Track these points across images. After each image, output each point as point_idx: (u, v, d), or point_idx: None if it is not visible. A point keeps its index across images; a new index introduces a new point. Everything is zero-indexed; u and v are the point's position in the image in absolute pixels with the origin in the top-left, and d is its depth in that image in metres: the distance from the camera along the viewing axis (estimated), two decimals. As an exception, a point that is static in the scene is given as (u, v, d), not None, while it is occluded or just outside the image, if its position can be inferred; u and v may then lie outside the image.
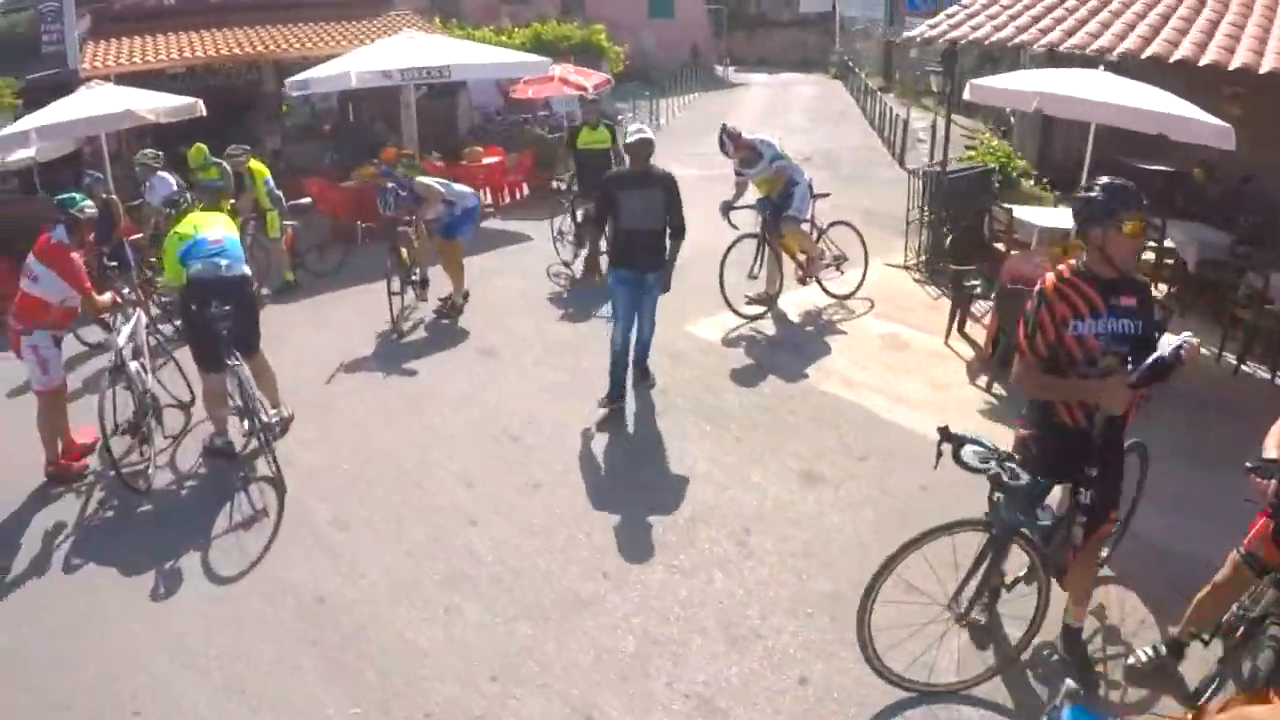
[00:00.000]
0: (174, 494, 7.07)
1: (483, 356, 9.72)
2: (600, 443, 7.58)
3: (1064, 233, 9.57)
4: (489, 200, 16.50)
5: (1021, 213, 10.96)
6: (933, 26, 12.53)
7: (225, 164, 12.08)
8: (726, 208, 10.39)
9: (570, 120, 20.28)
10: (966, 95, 10.41)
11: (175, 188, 11.32)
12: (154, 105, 12.68)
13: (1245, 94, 10.57)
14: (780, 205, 10.18)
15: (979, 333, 9.57)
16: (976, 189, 12.38)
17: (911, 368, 9.00)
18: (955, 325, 9.71)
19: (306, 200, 12.94)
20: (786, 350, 9.51)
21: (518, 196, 17.68)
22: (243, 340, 7.17)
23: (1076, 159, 11.32)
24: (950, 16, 12.70)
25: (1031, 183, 14.33)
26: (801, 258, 10.53)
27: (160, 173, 11.67)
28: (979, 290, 9.60)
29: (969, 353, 9.32)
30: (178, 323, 8.97)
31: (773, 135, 11.13)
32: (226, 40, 19.67)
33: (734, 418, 7.94)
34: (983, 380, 8.58)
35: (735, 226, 10.36)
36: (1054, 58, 12.64)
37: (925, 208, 12.60)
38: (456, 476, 7.11)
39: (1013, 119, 19.68)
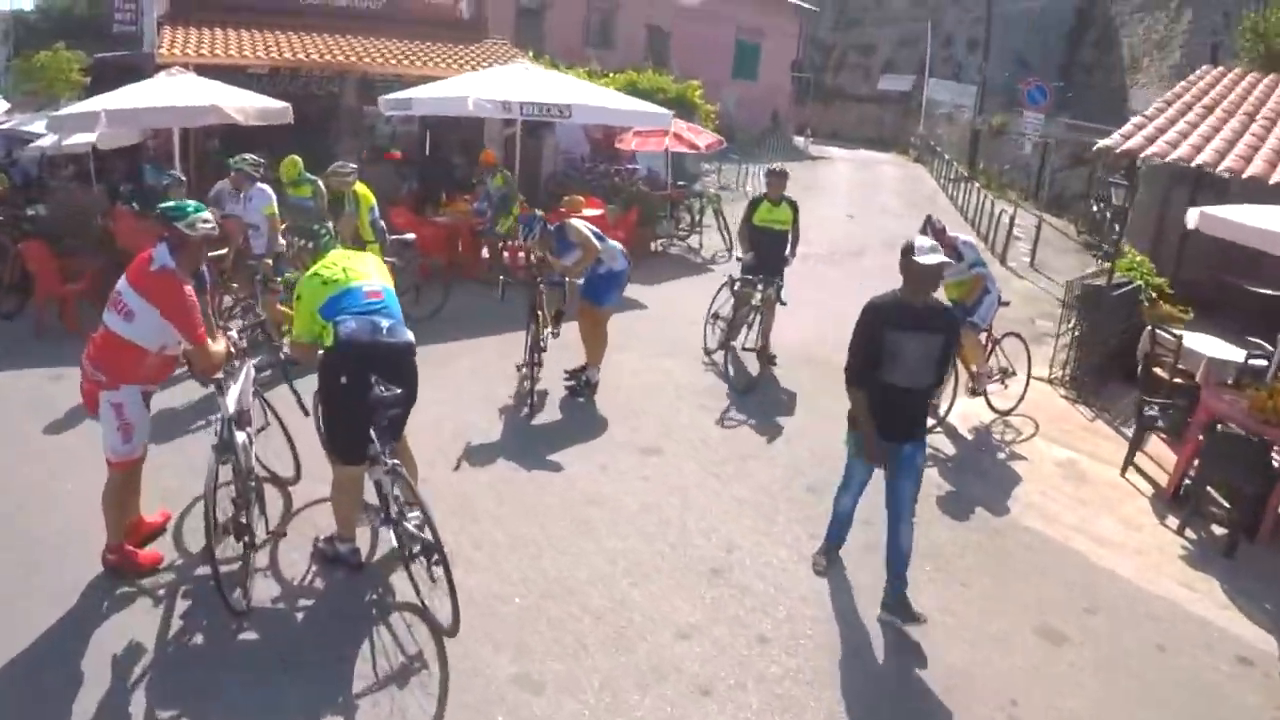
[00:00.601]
0: (284, 618, 5.48)
1: (644, 456, 8.29)
2: (821, 588, 6.38)
3: (1234, 367, 9.71)
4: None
5: (1191, 340, 10.52)
6: (1126, 137, 12.19)
7: (320, 182, 10.96)
8: None
9: (654, 178, 19.97)
10: (1193, 224, 9.58)
11: (274, 201, 10.18)
12: (242, 104, 12.10)
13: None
14: (967, 311, 9.52)
15: (1145, 462, 9.32)
16: (1126, 306, 12.01)
17: (1098, 502, 8.51)
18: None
19: (410, 236, 11.61)
20: (973, 474, 8.82)
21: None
22: (398, 426, 5.62)
23: (1212, 279, 12.60)
24: (1139, 128, 12.54)
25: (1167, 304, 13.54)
26: (974, 368, 9.93)
27: (261, 184, 10.31)
28: (1161, 425, 9.27)
29: (1144, 486, 8.96)
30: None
31: (972, 237, 10.16)
32: (314, 44, 18.84)
33: (951, 558, 7.08)
34: (1173, 522, 8.18)
35: None
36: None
37: (1075, 321, 12.00)
38: (664, 624, 5.77)
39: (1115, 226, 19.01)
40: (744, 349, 10.81)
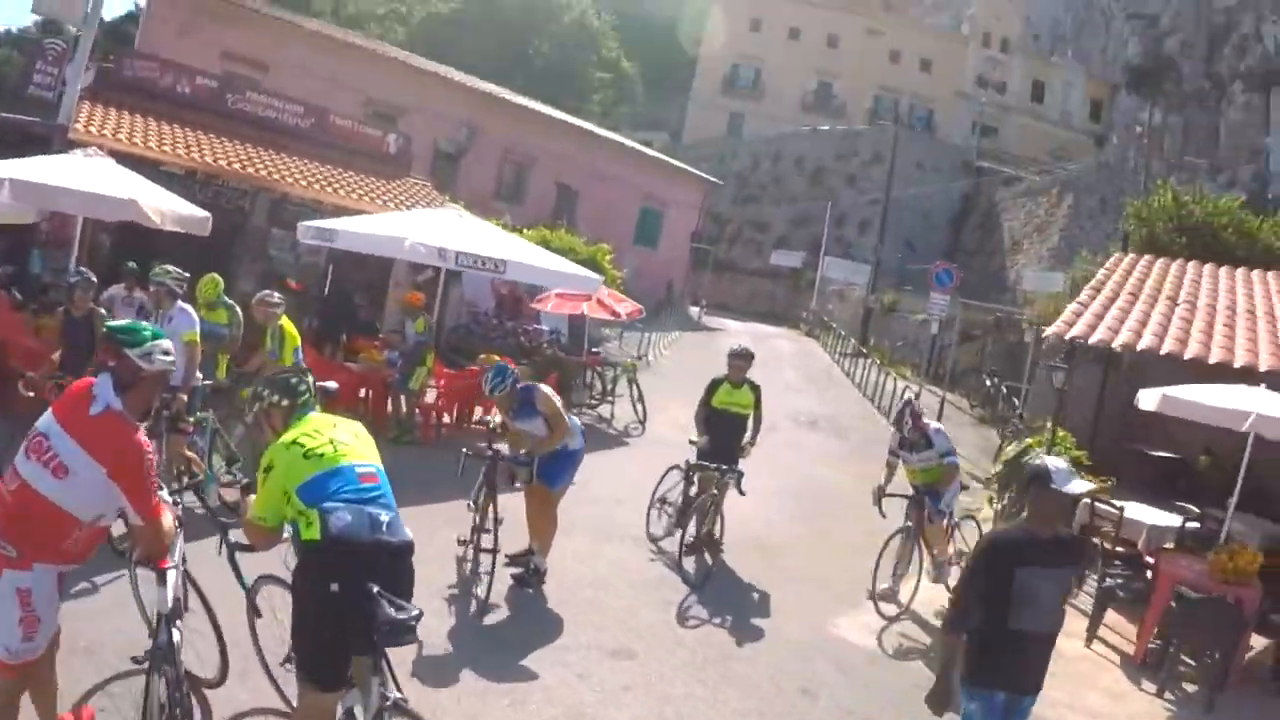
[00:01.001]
0: None
1: (618, 660, 7.39)
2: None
3: (1173, 532, 10.44)
4: (495, 419, 15.45)
5: (1133, 511, 10.85)
6: (1068, 324, 13.08)
7: (238, 309, 10.01)
8: (880, 493, 9.60)
9: (557, 339, 19.93)
10: (1152, 405, 10.10)
11: (197, 326, 8.94)
12: (162, 205, 10.98)
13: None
14: (935, 497, 9.58)
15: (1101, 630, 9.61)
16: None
17: (1076, 676, 8.53)
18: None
19: (333, 385, 10.55)
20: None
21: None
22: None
23: (1126, 450, 13.40)
24: (1077, 315, 13.43)
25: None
26: (936, 554, 9.85)
27: (183, 304, 9.03)
28: (1123, 595, 9.66)
29: (1110, 654, 9.24)
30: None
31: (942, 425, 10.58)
32: (236, 152, 18.31)
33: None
34: (1150, 686, 8.44)
35: (885, 515, 9.60)
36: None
37: (1010, 499, 12.39)
38: None
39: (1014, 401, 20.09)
40: (689, 539, 9.96)
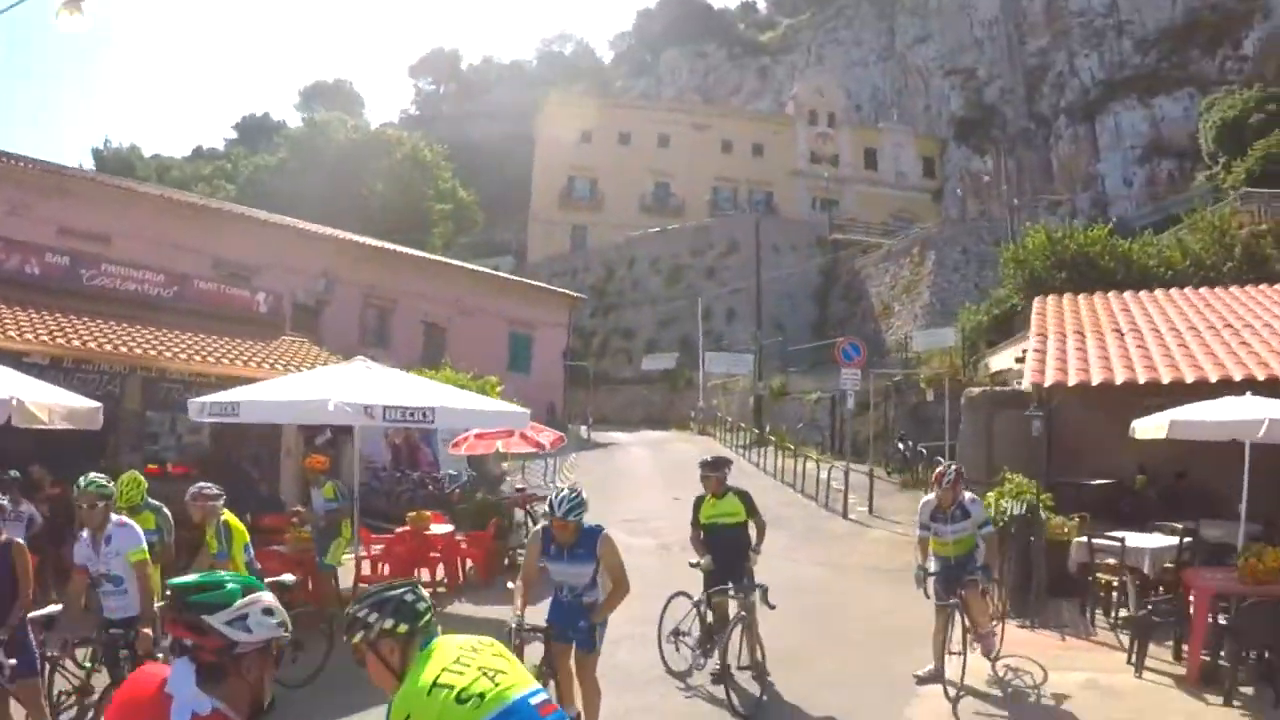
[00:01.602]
0: None
1: None
2: None
3: (1169, 553, 11.19)
4: (441, 579, 14.46)
5: (1131, 540, 11.39)
6: (1040, 372, 13.55)
7: (165, 510, 8.76)
8: (924, 575, 9.37)
9: (456, 482, 19.80)
10: (1163, 434, 10.52)
11: (143, 543, 7.35)
12: (48, 401, 10.10)
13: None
14: (969, 569, 9.38)
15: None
16: (1026, 528, 12.75)
17: (1151, 709, 8.72)
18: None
19: (289, 578, 9.36)
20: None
21: (465, 575, 15.30)
22: None
23: (1064, 484, 13.86)
24: (1041, 362, 14.07)
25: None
26: (980, 628, 9.49)
27: (123, 517, 7.54)
28: (1162, 620, 9.95)
29: (1161, 680, 9.43)
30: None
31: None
32: (100, 332, 17.05)
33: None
34: (1216, 698, 8.65)
35: (929, 596, 9.39)
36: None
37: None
38: None
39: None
40: (739, 669, 9.23)
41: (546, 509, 7.24)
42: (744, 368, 39.98)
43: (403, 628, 3.37)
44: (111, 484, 7.56)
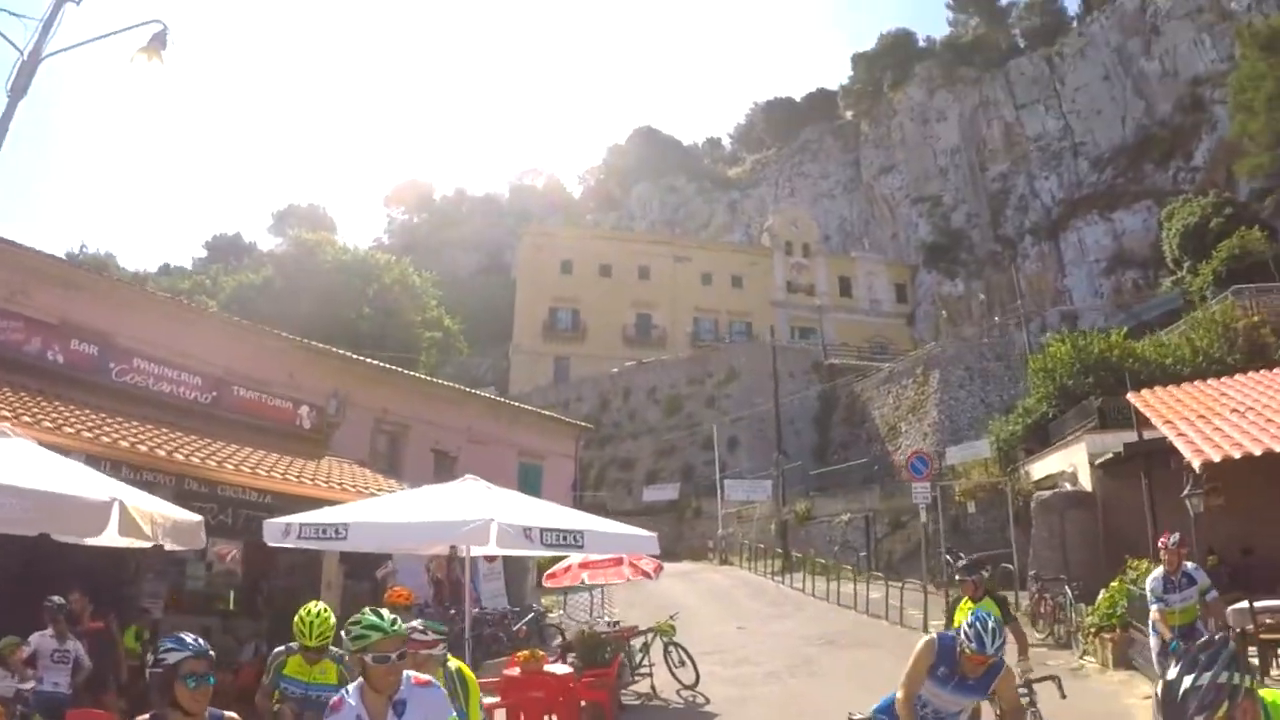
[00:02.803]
0: None
1: None
2: None
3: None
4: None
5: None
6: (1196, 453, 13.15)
7: (345, 659, 6.17)
8: (1169, 652, 8.75)
9: (522, 618, 19.36)
10: None
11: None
12: (150, 509, 8.39)
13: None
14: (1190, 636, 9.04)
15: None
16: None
17: None
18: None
19: None
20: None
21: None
22: None
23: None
24: (1191, 444, 13.62)
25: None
26: None
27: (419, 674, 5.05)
28: None
29: None
30: None
31: None
32: (136, 434, 14.48)
33: None
34: None
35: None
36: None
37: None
38: None
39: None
40: None
41: (963, 639, 5.76)
42: (763, 493, 39.86)
43: None
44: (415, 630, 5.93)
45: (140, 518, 8.00)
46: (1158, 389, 18.37)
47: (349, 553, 14.47)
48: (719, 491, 43.02)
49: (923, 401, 44.57)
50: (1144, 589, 12.45)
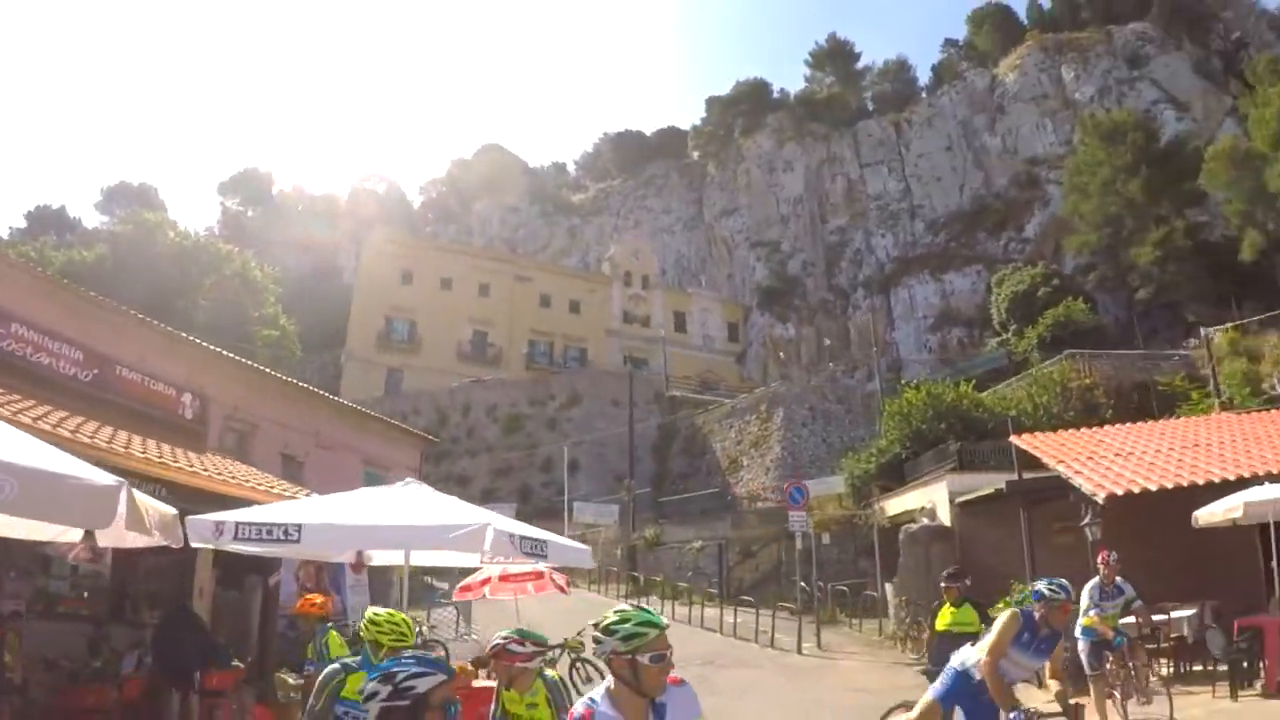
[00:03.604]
0: None
1: None
2: None
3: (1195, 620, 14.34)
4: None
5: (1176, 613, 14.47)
6: (1100, 488, 14.79)
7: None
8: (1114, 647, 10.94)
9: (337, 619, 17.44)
10: (1237, 514, 12.70)
11: None
12: (142, 500, 7.17)
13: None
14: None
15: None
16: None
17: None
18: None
19: None
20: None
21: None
22: None
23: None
24: (1092, 482, 15.29)
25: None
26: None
27: None
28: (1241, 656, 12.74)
29: (1251, 694, 12.19)
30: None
31: None
32: (18, 407, 12.63)
33: None
34: None
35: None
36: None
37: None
38: None
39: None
40: None
41: (1051, 594, 6.78)
42: (610, 517, 40.23)
43: None
44: None
45: (144, 508, 6.86)
46: (1038, 435, 19.71)
47: (223, 559, 13.63)
48: (567, 513, 43.18)
49: (766, 437, 46.01)
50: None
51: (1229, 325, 36.11)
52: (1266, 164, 40.72)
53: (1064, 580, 6.90)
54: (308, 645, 9.89)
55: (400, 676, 3.64)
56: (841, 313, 75.41)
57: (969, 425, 29.53)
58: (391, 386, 66.32)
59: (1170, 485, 14.15)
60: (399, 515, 10.25)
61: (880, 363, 69.94)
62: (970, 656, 6.98)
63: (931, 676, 9.39)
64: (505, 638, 5.78)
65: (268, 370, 35.23)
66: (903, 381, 42.70)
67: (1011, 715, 6.44)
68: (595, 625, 4.18)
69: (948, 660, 9.25)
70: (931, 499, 25.33)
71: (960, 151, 76.36)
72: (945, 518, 24.18)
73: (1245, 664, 12.72)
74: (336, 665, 6.12)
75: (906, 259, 73.95)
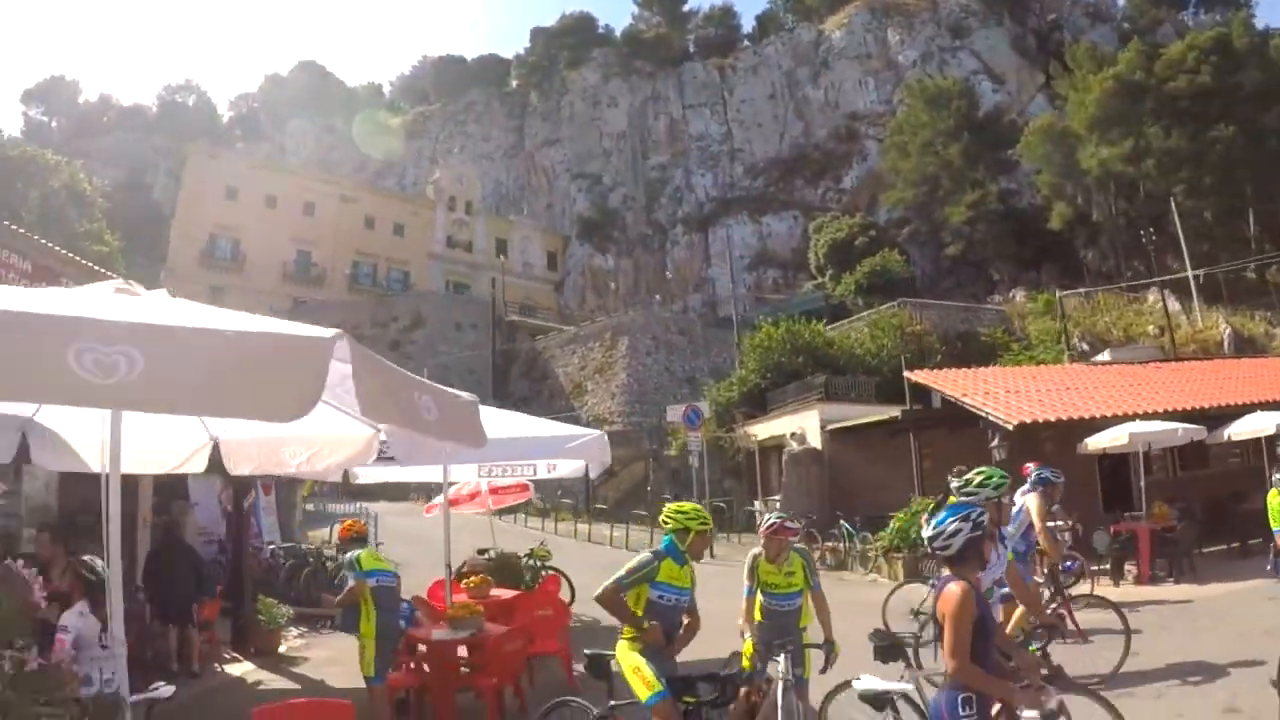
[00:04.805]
0: None
1: None
2: None
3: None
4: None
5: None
6: (1014, 418, 16.72)
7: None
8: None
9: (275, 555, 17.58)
10: (1124, 441, 16.20)
11: None
12: None
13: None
14: None
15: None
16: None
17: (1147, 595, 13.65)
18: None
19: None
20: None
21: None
22: None
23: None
24: (1006, 410, 18.38)
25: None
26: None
27: None
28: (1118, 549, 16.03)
29: (1127, 585, 15.18)
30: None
31: None
32: None
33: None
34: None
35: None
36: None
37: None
38: None
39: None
40: None
41: (1050, 478, 9.38)
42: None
43: None
44: None
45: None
46: (931, 371, 22.84)
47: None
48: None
49: (610, 364, 48.44)
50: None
51: (1036, 292, 40.77)
52: (1080, 144, 45.20)
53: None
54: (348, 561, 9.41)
55: (975, 514, 4.68)
56: (660, 248, 78.13)
57: (821, 361, 32.85)
58: (215, 304, 64.60)
59: (1066, 417, 17.32)
60: (512, 428, 10.94)
61: (696, 299, 74.08)
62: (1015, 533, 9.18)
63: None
64: (781, 518, 7.29)
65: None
66: (720, 316, 45.92)
67: (1066, 564, 9.21)
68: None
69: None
70: (801, 425, 28.30)
71: (783, 101, 79.83)
72: (816, 442, 27.24)
73: (1122, 561, 15.77)
74: (649, 554, 6.57)
75: (726, 200, 77.17)
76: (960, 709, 4.33)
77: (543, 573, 14.86)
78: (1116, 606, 9.79)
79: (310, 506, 30.37)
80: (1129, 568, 15.72)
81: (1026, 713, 4.38)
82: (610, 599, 6.35)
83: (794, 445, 27.88)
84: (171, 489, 13.70)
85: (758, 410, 32.63)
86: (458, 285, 74.28)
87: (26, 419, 7.04)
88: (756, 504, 29.60)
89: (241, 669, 12.23)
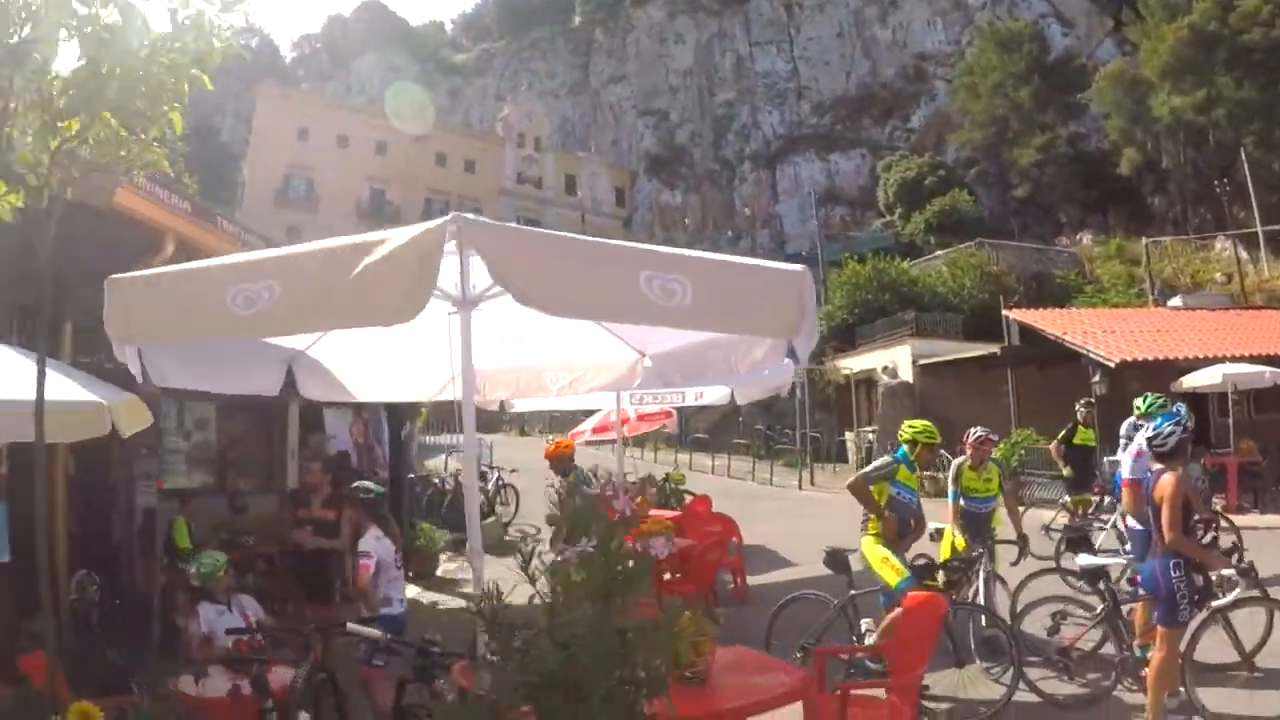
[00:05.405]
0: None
1: None
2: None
3: None
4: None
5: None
6: (1120, 358, 18.08)
7: None
8: None
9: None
10: (1217, 380, 17.72)
11: None
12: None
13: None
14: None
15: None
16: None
17: None
18: None
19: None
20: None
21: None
22: None
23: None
24: (1104, 349, 18.92)
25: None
26: None
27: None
28: None
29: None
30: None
31: None
32: None
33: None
34: None
35: None
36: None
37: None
38: None
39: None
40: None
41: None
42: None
43: None
44: None
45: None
46: (1029, 311, 24.54)
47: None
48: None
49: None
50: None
51: (1103, 236, 41.60)
52: (1152, 91, 45.70)
53: None
54: (568, 475, 10.30)
55: (1184, 419, 6.41)
56: (727, 184, 79.23)
57: (905, 298, 34.55)
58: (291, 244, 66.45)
59: (1164, 357, 19.05)
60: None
61: (764, 234, 75.26)
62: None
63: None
64: (985, 431, 8.87)
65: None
66: (788, 253, 46.76)
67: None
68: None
69: (1084, 463, 13.78)
70: (893, 359, 30.12)
71: (850, 39, 79.80)
72: (907, 376, 29.10)
73: (1211, 492, 16.34)
74: (889, 458, 8.13)
75: (792, 137, 77.83)
76: (1172, 571, 6.15)
77: (685, 496, 16.26)
78: (1233, 524, 11.77)
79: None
80: (1216, 499, 16.48)
81: (1224, 570, 6.33)
82: (860, 488, 7.78)
83: (886, 379, 29.70)
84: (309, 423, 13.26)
85: (846, 345, 34.38)
86: (529, 221, 75.81)
87: (294, 351, 7.22)
88: (849, 435, 31.52)
89: (411, 590, 11.68)
